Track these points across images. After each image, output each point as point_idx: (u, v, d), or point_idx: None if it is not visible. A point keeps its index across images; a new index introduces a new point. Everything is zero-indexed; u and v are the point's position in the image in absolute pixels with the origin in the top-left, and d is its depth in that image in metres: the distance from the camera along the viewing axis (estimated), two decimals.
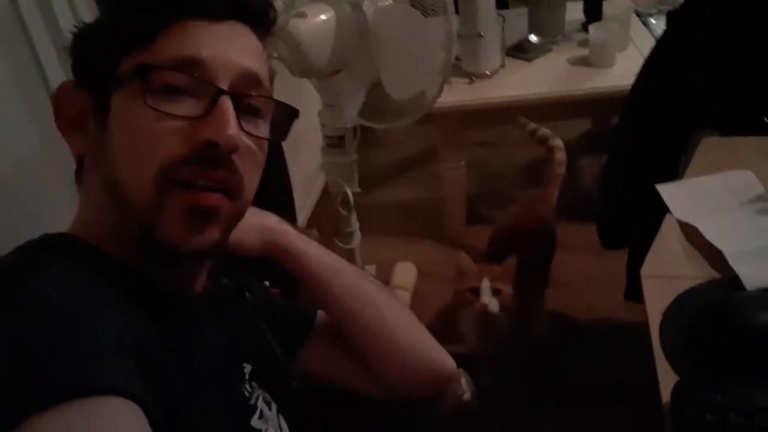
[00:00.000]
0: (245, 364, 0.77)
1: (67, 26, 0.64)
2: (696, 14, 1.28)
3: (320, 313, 0.91)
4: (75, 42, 0.65)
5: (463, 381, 0.96)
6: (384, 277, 2.16)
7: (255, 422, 0.74)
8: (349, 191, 1.58)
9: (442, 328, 1.61)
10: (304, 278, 0.83)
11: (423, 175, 2.65)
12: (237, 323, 0.79)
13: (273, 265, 0.83)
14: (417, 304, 2.06)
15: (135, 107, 0.60)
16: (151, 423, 0.50)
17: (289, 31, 1.33)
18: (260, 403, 0.76)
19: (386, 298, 0.88)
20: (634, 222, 1.60)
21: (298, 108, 0.70)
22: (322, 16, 1.38)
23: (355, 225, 1.67)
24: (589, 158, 2.59)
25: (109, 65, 0.62)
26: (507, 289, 1.56)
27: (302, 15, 1.36)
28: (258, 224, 0.81)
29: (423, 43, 1.45)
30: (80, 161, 0.67)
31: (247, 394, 0.74)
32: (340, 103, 1.50)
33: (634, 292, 1.76)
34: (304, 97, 1.60)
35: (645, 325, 0.88)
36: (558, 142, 1.83)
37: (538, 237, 1.81)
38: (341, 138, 1.53)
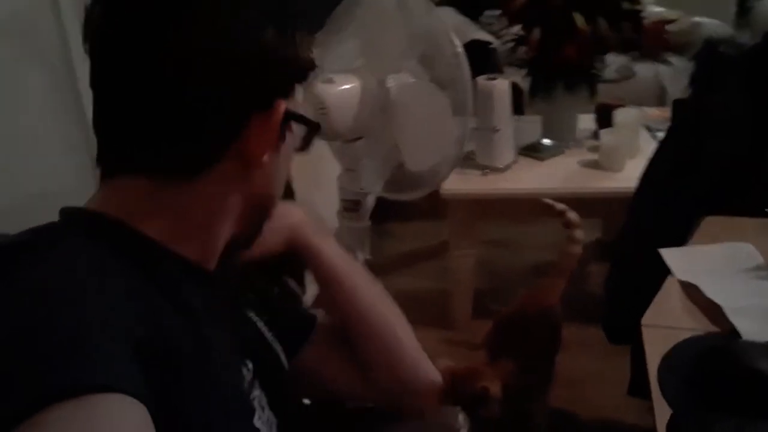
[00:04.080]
0: (248, 361, 0.77)
1: None
2: (702, 103, 1.36)
3: (320, 316, 0.94)
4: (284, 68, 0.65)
5: (460, 417, 0.96)
6: None
7: (256, 422, 0.74)
8: (360, 256, 1.61)
9: None
10: (318, 274, 0.87)
11: (432, 267, 2.68)
12: (238, 319, 0.80)
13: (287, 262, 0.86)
14: None
15: (292, 141, 0.70)
16: (155, 419, 0.50)
17: (316, 94, 1.42)
18: (256, 404, 0.76)
19: (391, 306, 0.93)
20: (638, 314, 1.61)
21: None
22: (348, 85, 1.48)
23: None
24: (599, 265, 2.62)
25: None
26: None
27: (329, 81, 1.45)
28: (284, 225, 0.85)
29: (440, 123, 1.53)
30: (199, 165, 0.64)
31: (247, 391, 0.74)
32: (358, 168, 1.57)
33: (637, 388, 1.75)
34: (324, 167, 1.68)
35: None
36: (575, 217, 1.84)
37: (541, 326, 1.81)
38: (357, 203, 1.59)
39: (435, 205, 2.20)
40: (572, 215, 1.84)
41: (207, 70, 0.60)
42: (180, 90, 0.60)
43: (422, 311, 2.47)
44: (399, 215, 2.93)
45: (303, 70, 0.67)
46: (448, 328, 2.31)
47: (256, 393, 0.75)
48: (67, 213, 0.65)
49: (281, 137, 0.67)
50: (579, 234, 1.87)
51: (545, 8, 2.11)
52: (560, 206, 1.85)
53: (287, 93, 0.66)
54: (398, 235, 2.91)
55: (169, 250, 0.64)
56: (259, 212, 0.71)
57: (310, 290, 1.88)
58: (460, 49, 1.50)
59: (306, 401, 0.89)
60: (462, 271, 2.26)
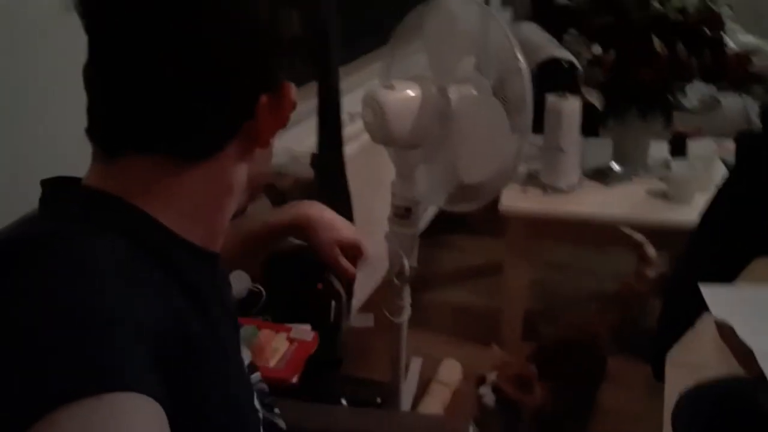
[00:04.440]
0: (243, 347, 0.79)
1: None
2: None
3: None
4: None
5: (471, 429, 0.97)
6: (429, 372, 2.15)
7: (256, 403, 0.77)
8: (406, 263, 1.62)
9: None
10: None
11: (486, 284, 2.67)
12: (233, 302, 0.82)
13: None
14: (456, 402, 2.04)
15: None
16: (171, 416, 0.51)
17: (375, 99, 1.45)
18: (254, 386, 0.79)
19: None
20: None
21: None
22: (409, 92, 1.49)
23: (407, 300, 1.70)
24: (659, 302, 2.55)
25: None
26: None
27: (390, 87, 1.48)
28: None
29: (497, 138, 1.53)
30: (213, 146, 0.65)
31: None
32: (413, 176, 1.58)
33: None
34: (381, 170, 1.70)
35: None
36: (653, 253, 1.80)
37: (585, 354, 1.78)
38: (408, 209, 1.60)
39: (498, 222, 2.19)
40: (650, 250, 1.81)
41: (222, 49, 0.60)
42: (196, 69, 0.60)
43: (471, 327, 2.49)
44: (462, 228, 2.93)
45: (298, 51, 0.70)
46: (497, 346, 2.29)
47: (253, 376, 0.78)
48: (78, 194, 0.63)
49: (288, 118, 0.69)
50: (650, 272, 1.83)
51: (624, 30, 2.07)
52: (639, 237, 1.81)
53: (288, 74, 0.67)
54: (459, 248, 2.92)
55: (181, 238, 0.64)
56: (256, 189, 0.74)
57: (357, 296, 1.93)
58: (524, 65, 1.49)
59: None
60: (515, 290, 2.24)
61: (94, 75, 0.62)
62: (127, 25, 0.59)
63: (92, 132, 0.63)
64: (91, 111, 0.63)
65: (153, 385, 0.50)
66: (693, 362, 0.95)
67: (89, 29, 0.61)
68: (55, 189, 0.64)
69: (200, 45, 0.59)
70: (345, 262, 1.13)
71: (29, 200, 0.65)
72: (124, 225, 0.60)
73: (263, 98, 0.64)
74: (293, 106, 0.69)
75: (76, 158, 0.67)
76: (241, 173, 0.67)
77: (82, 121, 0.64)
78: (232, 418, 0.64)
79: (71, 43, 0.66)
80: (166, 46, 0.59)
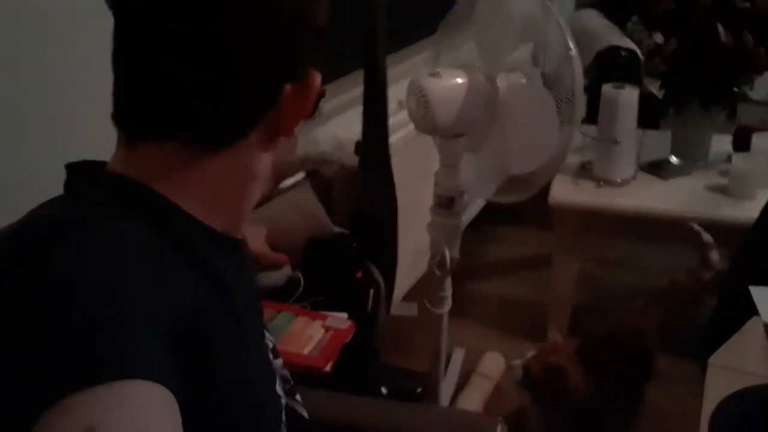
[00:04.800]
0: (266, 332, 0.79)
1: None
2: None
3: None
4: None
5: (499, 428, 0.95)
6: (471, 364, 2.13)
7: (278, 389, 0.77)
8: (447, 253, 1.60)
9: None
10: None
11: (534, 277, 2.62)
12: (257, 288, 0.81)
13: None
14: (496, 397, 2.01)
15: None
16: (183, 404, 0.50)
17: (420, 86, 1.43)
18: (276, 371, 0.78)
19: None
20: None
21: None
22: (456, 80, 1.46)
23: (449, 291, 1.69)
24: (715, 299, 2.46)
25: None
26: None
27: (436, 75, 1.45)
28: None
29: (546, 128, 1.49)
30: (236, 134, 0.64)
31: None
32: (457, 165, 1.56)
33: None
34: (429, 160, 1.69)
35: None
36: (716, 257, 1.74)
37: (631, 351, 1.72)
38: (451, 199, 1.58)
39: (548, 213, 2.15)
40: (714, 255, 1.73)
41: (243, 38, 0.59)
42: (216, 57, 0.59)
43: (517, 320, 2.45)
44: (510, 219, 2.89)
45: (324, 41, 0.67)
46: (541, 341, 2.25)
47: (275, 362, 0.78)
48: (100, 179, 0.63)
49: (315, 108, 0.67)
50: (705, 274, 1.75)
51: (687, 17, 1.98)
52: (707, 238, 1.73)
53: (315, 64, 0.66)
54: (506, 239, 2.87)
55: (203, 224, 0.63)
56: (280, 177, 0.73)
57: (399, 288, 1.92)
58: (575, 54, 1.45)
59: None
60: (563, 284, 2.19)
61: (118, 60, 0.62)
62: (150, 10, 0.59)
63: (116, 117, 0.63)
64: (116, 96, 0.63)
65: (164, 372, 0.50)
66: (737, 365, 0.91)
67: (115, 14, 0.61)
68: (79, 173, 0.64)
69: (221, 34, 0.59)
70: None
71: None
72: (146, 210, 0.60)
73: (287, 88, 0.63)
74: (319, 95, 0.67)
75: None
76: (265, 161, 0.66)
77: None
78: (249, 405, 0.63)
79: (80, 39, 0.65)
80: (186, 34, 0.58)
